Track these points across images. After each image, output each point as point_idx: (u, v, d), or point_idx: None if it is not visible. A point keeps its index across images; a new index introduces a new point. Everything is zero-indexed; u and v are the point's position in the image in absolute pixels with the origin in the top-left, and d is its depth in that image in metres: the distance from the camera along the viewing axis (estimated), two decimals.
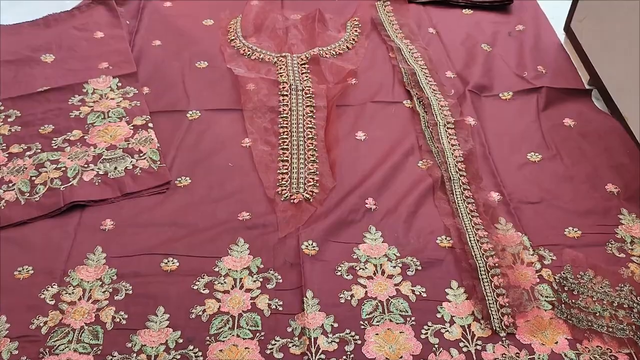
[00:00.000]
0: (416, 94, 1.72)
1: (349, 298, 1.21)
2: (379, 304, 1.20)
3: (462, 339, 1.14)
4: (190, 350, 1.12)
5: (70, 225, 1.35)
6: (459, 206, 1.39)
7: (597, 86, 1.78)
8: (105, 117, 1.61)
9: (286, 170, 1.49)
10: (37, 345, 1.12)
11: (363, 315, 1.18)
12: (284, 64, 1.82)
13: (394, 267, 1.27)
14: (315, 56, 1.84)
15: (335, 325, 1.16)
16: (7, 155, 1.50)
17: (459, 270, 1.27)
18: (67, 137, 1.55)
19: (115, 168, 1.47)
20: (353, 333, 1.15)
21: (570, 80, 1.80)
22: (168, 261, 1.28)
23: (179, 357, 1.11)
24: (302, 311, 1.18)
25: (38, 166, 1.46)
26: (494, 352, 1.12)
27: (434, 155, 1.54)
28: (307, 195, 1.41)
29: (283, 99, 1.69)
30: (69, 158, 1.49)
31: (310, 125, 1.61)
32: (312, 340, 1.13)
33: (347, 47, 1.92)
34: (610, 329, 1.15)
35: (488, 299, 1.20)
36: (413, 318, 1.18)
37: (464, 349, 1.13)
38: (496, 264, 1.26)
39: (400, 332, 1.15)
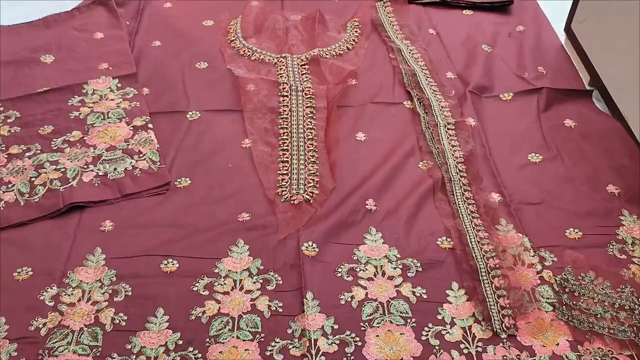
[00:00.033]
0: (416, 94, 1.71)
1: (349, 299, 1.21)
2: (380, 305, 1.20)
3: (463, 340, 1.14)
4: (190, 351, 1.12)
5: (69, 227, 1.34)
6: (459, 207, 1.39)
7: (597, 87, 1.78)
8: (105, 118, 1.61)
9: (286, 171, 1.48)
10: (36, 346, 1.12)
11: (363, 317, 1.18)
12: (284, 65, 1.82)
13: (395, 268, 1.27)
14: (315, 57, 1.84)
15: (336, 326, 1.16)
16: (6, 156, 1.49)
17: (459, 271, 1.27)
18: (67, 138, 1.55)
19: (115, 169, 1.46)
20: (353, 334, 1.15)
21: (571, 81, 1.80)
22: (168, 262, 1.28)
23: (178, 358, 1.11)
24: (302, 313, 1.18)
25: (37, 167, 1.46)
26: (494, 353, 1.12)
27: (434, 156, 1.53)
28: (307, 197, 1.41)
29: (283, 100, 1.69)
30: (68, 159, 1.48)
31: (311, 126, 1.61)
32: (312, 341, 1.13)
33: (347, 47, 1.92)
34: (612, 331, 1.14)
35: (489, 301, 1.19)
36: (413, 319, 1.17)
37: (465, 351, 1.12)
38: (497, 265, 1.25)
39: (401, 334, 1.15)
